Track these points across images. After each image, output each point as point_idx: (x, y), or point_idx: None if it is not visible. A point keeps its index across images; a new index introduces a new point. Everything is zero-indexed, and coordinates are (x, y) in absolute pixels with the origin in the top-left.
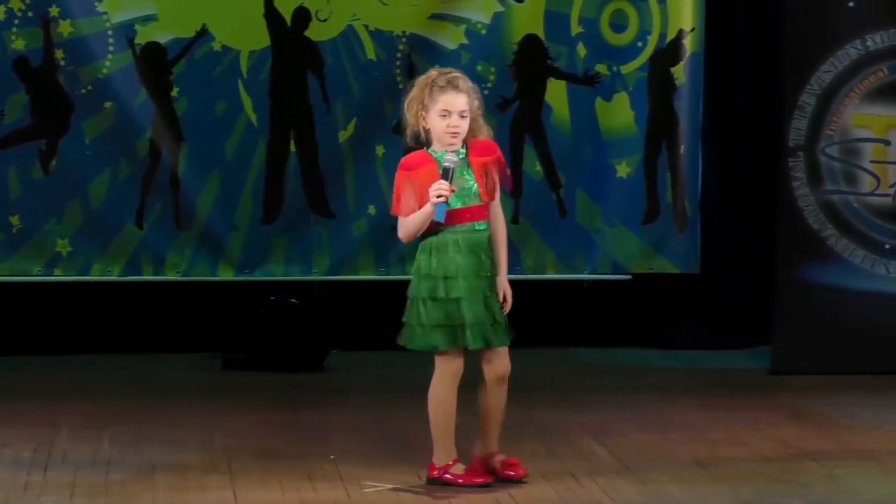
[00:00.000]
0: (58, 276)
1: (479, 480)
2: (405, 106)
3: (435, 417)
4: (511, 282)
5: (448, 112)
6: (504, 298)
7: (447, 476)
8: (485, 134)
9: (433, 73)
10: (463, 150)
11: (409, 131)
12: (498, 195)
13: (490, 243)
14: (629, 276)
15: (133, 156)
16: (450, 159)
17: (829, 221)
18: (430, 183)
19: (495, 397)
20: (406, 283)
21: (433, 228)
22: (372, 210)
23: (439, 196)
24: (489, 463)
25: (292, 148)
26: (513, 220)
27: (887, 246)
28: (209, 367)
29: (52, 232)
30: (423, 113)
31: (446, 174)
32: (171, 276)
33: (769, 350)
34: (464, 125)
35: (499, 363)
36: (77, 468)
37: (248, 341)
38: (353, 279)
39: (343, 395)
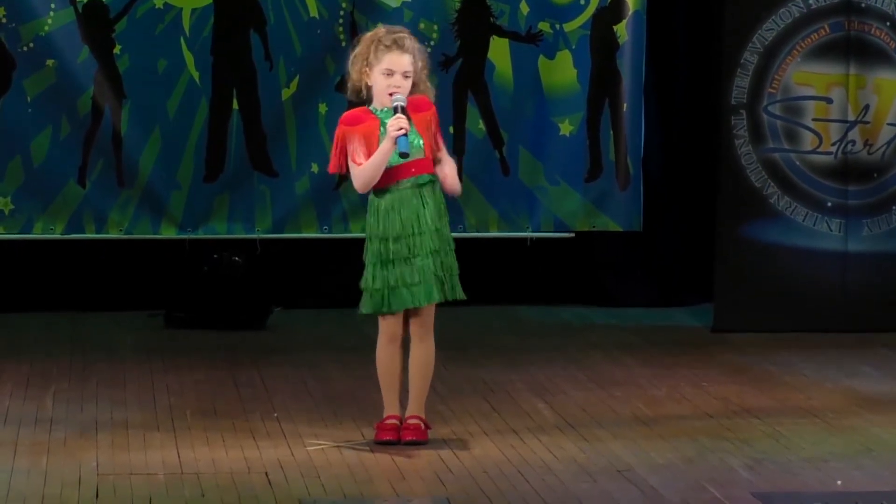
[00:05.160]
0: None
1: (378, 437)
2: (350, 61)
3: (378, 375)
4: (454, 240)
5: (391, 72)
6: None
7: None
8: (429, 96)
9: (381, 30)
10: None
11: (350, 86)
12: (443, 148)
13: (435, 194)
14: (572, 234)
15: (75, 114)
16: (398, 98)
17: (772, 179)
18: (373, 139)
19: (414, 351)
20: (349, 242)
21: (383, 185)
22: (315, 168)
23: (399, 129)
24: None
25: (235, 106)
26: None
27: (829, 203)
28: (152, 325)
29: None
30: (367, 70)
31: (398, 111)
32: (113, 235)
33: (711, 308)
34: (406, 85)
35: (417, 317)
36: (20, 426)
37: (191, 299)
38: (295, 237)
39: (286, 353)
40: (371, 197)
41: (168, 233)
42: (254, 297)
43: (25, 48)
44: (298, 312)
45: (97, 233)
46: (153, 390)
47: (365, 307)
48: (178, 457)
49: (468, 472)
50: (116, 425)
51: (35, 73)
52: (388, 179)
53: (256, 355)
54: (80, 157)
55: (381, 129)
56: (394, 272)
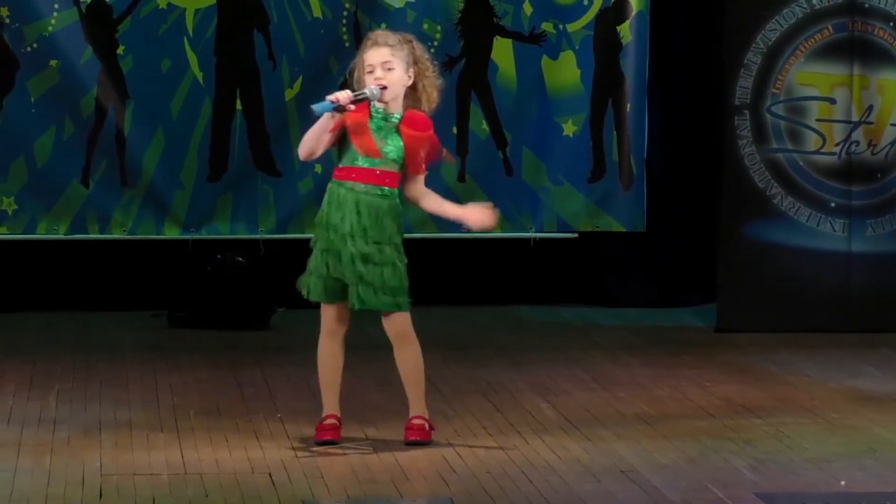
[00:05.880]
0: (3, 235)
1: (318, 437)
2: (354, 79)
3: (318, 371)
4: (456, 240)
5: (372, 66)
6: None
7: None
8: (433, 98)
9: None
10: (398, 115)
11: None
12: (423, 172)
13: (395, 211)
14: (575, 235)
15: (78, 114)
16: (372, 88)
17: (775, 180)
18: (360, 128)
19: (397, 357)
20: None
21: (344, 178)
22: (318, 168)
23: (334, 95)
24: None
25: (238, 106)
26: (459, 178)
27: (833, 204)
28: (155, 325)
29: None
30: (363, 77)
31: (357, 94)
32: (116, 235)
33: (714, 308)
34: (390, 76)
35: (387, 325)
36: (23, 426)
37: (194, 299)
38: (299, 237)
39: (289, 353)
40: (330, 184)
41: (171, 233)
42: (257, 298)
43: (29, 48)
44: (301, 312)
45: (100, 233)
46: (156, 390)
47: (308, 291)
48: (182, 457)
49: (471, 472)
50: (120, 425)
51: (38, 74)
52: (349, 175)
53: (259, 355)
54: (84, 158)
55: (371, 123)
56: (326, 261)
